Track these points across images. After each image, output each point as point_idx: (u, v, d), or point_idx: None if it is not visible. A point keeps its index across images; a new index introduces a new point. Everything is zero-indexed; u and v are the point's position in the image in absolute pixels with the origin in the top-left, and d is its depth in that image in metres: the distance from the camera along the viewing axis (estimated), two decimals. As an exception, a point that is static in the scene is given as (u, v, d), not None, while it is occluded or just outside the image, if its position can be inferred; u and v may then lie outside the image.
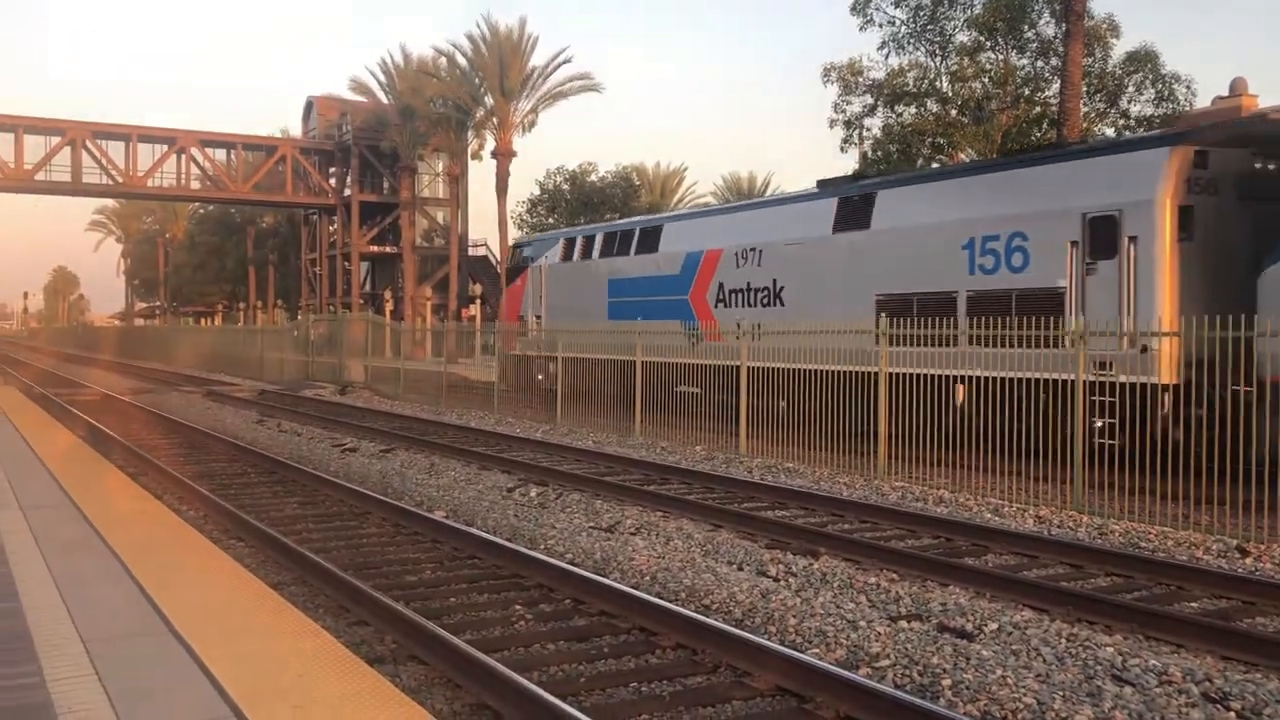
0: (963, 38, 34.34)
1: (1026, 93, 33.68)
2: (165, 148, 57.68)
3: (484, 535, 10.17)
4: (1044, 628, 7.44)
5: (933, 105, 34.83)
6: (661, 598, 8.07)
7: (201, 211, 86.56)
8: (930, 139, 34.15)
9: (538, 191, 56.90)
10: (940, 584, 8.78)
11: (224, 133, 60.46)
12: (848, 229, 18.04)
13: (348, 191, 62.46)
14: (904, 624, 7.54)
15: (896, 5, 34.53)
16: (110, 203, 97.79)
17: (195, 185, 60.41)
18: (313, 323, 39.69)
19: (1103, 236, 14.15)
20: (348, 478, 14.80)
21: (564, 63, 52.04)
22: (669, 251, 22.40)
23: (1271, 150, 13.83)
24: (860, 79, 35.27)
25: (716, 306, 20.72)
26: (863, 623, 7.53)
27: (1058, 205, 14.72)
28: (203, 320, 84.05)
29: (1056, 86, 30.20)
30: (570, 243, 26.24)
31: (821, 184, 20.15)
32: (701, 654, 6.79)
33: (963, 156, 32.79)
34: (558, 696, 5.65)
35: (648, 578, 9.03)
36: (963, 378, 14.29)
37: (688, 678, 6.51)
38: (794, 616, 7.73)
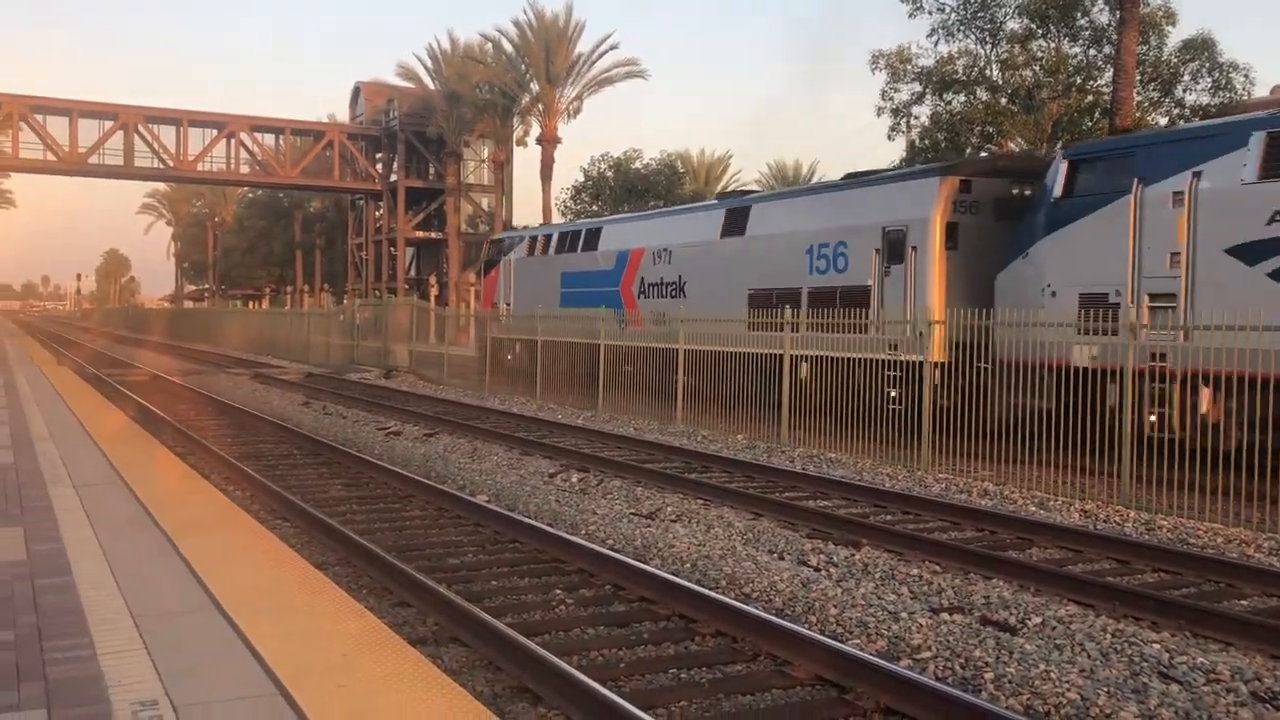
0: (1014, 25, 33.85)
1: (1078, 81, 33.16)
2: (215, 132, 58.36)
3: (525, 520, 10.22)
4: (1089, 623, 7.35)
5: (982, 93, 34.40)
6: (701, 585, 8.07)
7: (250, 196, 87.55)
8: (979, 127, 33.74)
9: (582, 178, 56.89)
10: (983, 577, 8.70)
11: (273, 118, 61.09)
12: (731, 235, 21.56)
13: (394, 177, 62.86)
14: (946, 616, 7.49)
15: (946, -9, 34.12)
16: (161, 186, 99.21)
17: (244, 170, 61.08)
18: (358, 307, 40.05)
19: (895, 246, 17.46)
20: (392, 461, 14.93)
21: (610, 49, 52.15)
22: (606, 249, 25.86)
23: (1022, 180, 17.03)
24: (908, 66, 34.90)
25: (639, 297, 24.20)
26: (904, 614, 7.49)
27: (866, 221, 18.10)
28: (250, 303, 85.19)
29: (1109, 75, 29.73)
30: (534, 240, 29.69)
31: (719, 197, 24.70)
32: (741, 642, 6.78)
33: (1012, 145, 32.40)
34: (597, 681, 5.67)
35: (688, 565, 9.03)
36: (806, 357, 17.72)
37: (727, 665, 6.51)
38: (835, 606, 7.70)
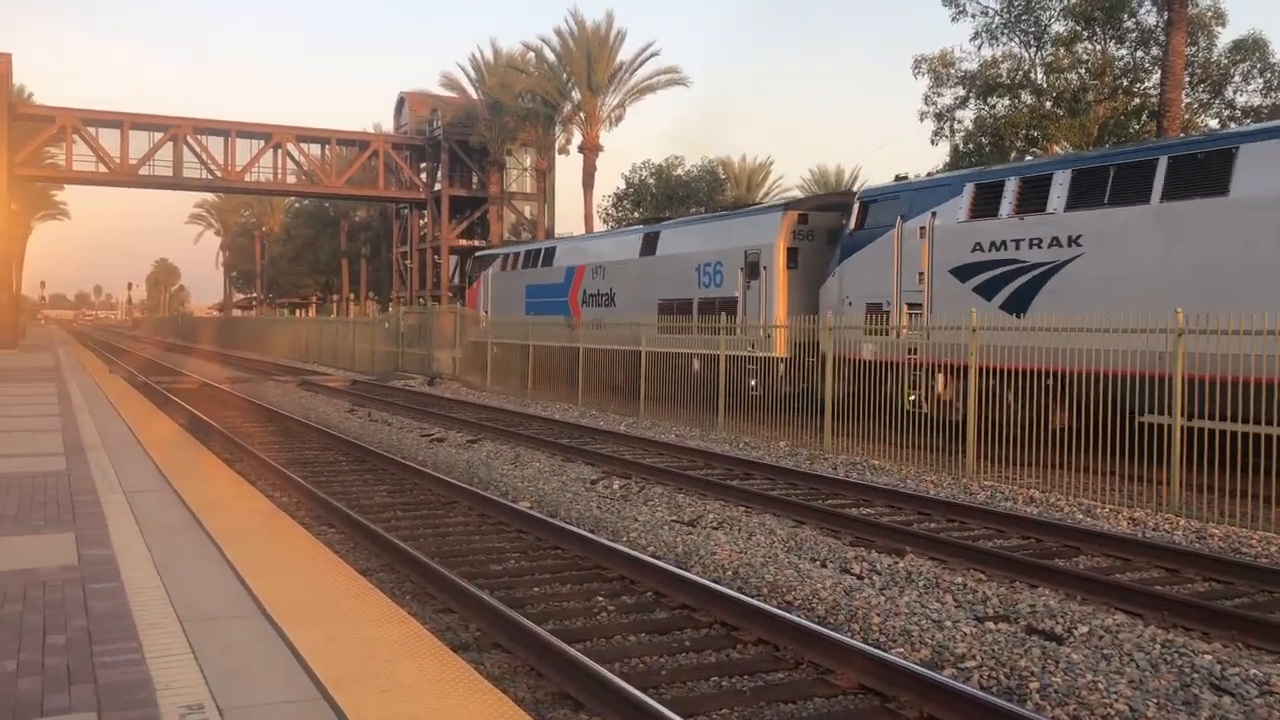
0: (1059, 27, 33.56)
1: (1125, 84, 32.78)
2: (262, 143, 59.06)
3: (567, 526, 10.25)
4: (1137, 633, 7.24)
5: (1027, 97, 34.11)
6: (743, 593, 8.04)
7: (297, 205, 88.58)
8: (1024, 131, 33.43)
9: (623, 185, 57.01)
10: (1029, 585, 8.60)
11: (319, 128, 61.61)
12: (646, 254, 26.16)
13: (438, 186, 63.26)
14: (991, 625, 7.40)
15: (990, -5, 33.89)
16: (210, 196, 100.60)
17: (291, 180, 61.72)
18: (403, 315, 40.36)
19: (752, 266, 21.93)
20: (435, 467, 15.04)
21: (651, 56, 51.98)
22: (558, 266, 30.64)
23: (846, 213, 20.12)
24: (951, 71, 34.69)
25: (583, 306, 28.65)
26: (948, 623, 7.42)
27: (733, 245, 22.71)
28: (297, 311, 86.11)
29: (1157, 77, 29.33)
30: (506, 257, 34.90)
31: (642, 223, 31.47)
32: (783, 650, 6.75)
33: (1057, 149, 32.06)
34: (639, 688, 5.67)
35: (729, 572, 9.01)
36: (699, 355, 21.65)
37: (769, 674, 6.48)
38: (878, 615, 7.64)
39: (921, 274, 17.65)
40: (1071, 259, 15.35)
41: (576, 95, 52.84)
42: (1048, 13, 33.55)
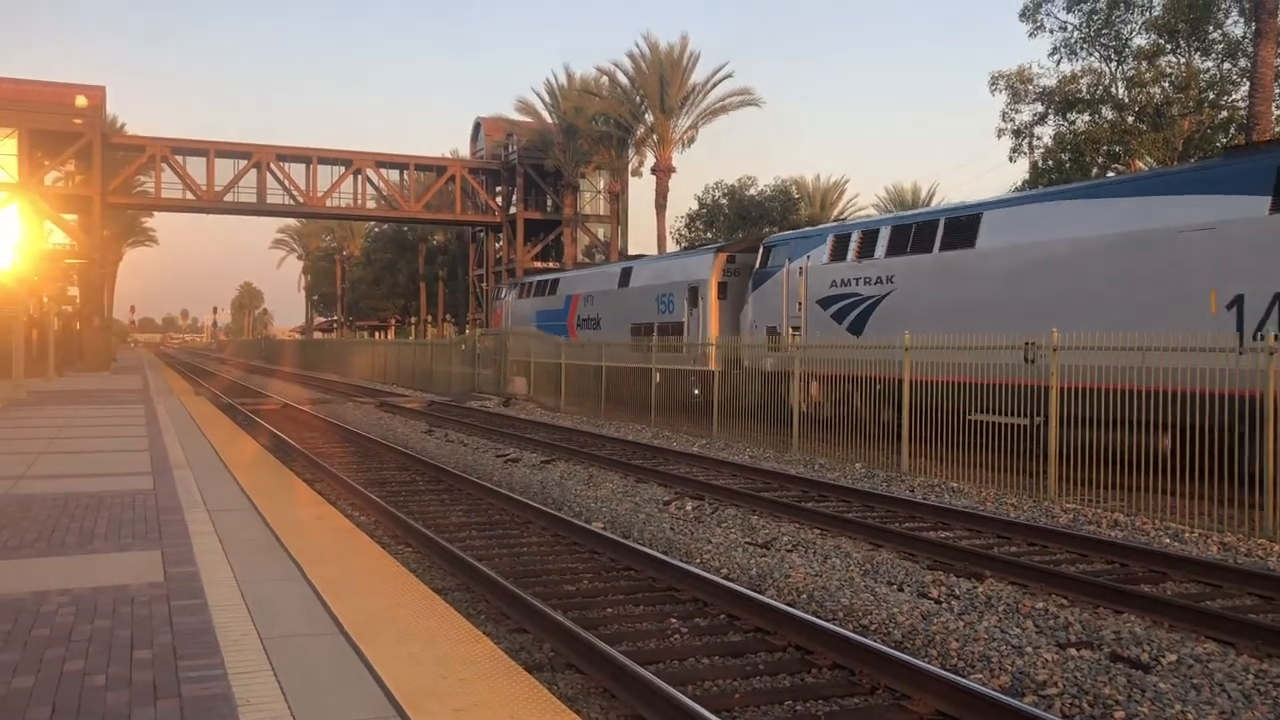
0: (1141, 41, 32.92)
1: (1211, 97, 32.00)
2: (343, 169, 60.37)
3: (640, 547, 10.24)
4: (1228, 662, 7.01)
5: (1108, 112, 33.47)
6: (818, 616, 7.96)
7: (376, 230, 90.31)
8: (1105, 147, 32.79)
9: (696, 206, 57.10)
10: (1113, 611, 8.38)
11: (398, 154, 62.82)
12: (622, 286, 31.55)
13: (513, 209, 64.04)
14: (1073, 652, 7.22)
15: (1069, 10, 33.39)
16: (292, 222, 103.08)
17: (371, 205, 62.96)
18: (479, 337, 40.81)
19: (693, 296, 27.00)
20: (510, 487, 15.15)
21: (724, 78, 52.08)
22: (560, 294, 36.04)
23: (758, 255, 24.93)
24: (1029, 86, 34.20)
25: (578, 329, 33.88)
26: (1029, 649, 7.26)
27: (681, 279, 27.93)
28: (376, 334, 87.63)
29: (1245, 89, 28.58)
30: (522, 286, 41.10)
31: (622, 259, 39.21)
32: (859, 675, 6.66)
33: (1140, 165, 31.37)
34: (713, 711, 5.63)
35: (804, 595, 8.92)
36: (660, 370, 25.84)
37: (844, 698, 6.40)
38: (956, 640, 7.51)
39: (800, 304, 22.64)
40: (889, 293, 20.24)
41: (649, 118, 53.13)
42: (1129, 26, 32.94)
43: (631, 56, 52.82)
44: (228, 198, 58.21)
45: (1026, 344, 15.05)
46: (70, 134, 52.34)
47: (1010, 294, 17.33)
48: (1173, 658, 7.08)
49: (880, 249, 20.53)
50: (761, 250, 24.61)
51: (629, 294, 30.77)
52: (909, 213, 25.32)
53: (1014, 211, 18.34)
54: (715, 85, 51.93)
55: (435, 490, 14.99)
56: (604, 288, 32.86)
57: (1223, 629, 7.72)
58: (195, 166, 57.25)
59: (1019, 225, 17.81)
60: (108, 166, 54.76)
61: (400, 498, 14.05)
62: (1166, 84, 32.50)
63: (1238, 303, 14.01)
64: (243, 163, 57.97)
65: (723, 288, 26.20)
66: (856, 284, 20.98)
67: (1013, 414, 15.12)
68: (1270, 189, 13.97)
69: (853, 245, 21.35)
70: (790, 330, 22.63)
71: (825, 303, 21.71)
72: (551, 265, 59.73)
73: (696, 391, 24.39)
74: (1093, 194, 17.15)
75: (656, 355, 25.64)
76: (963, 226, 18.77)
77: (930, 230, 19.49)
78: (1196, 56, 32.34)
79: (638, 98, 53.36)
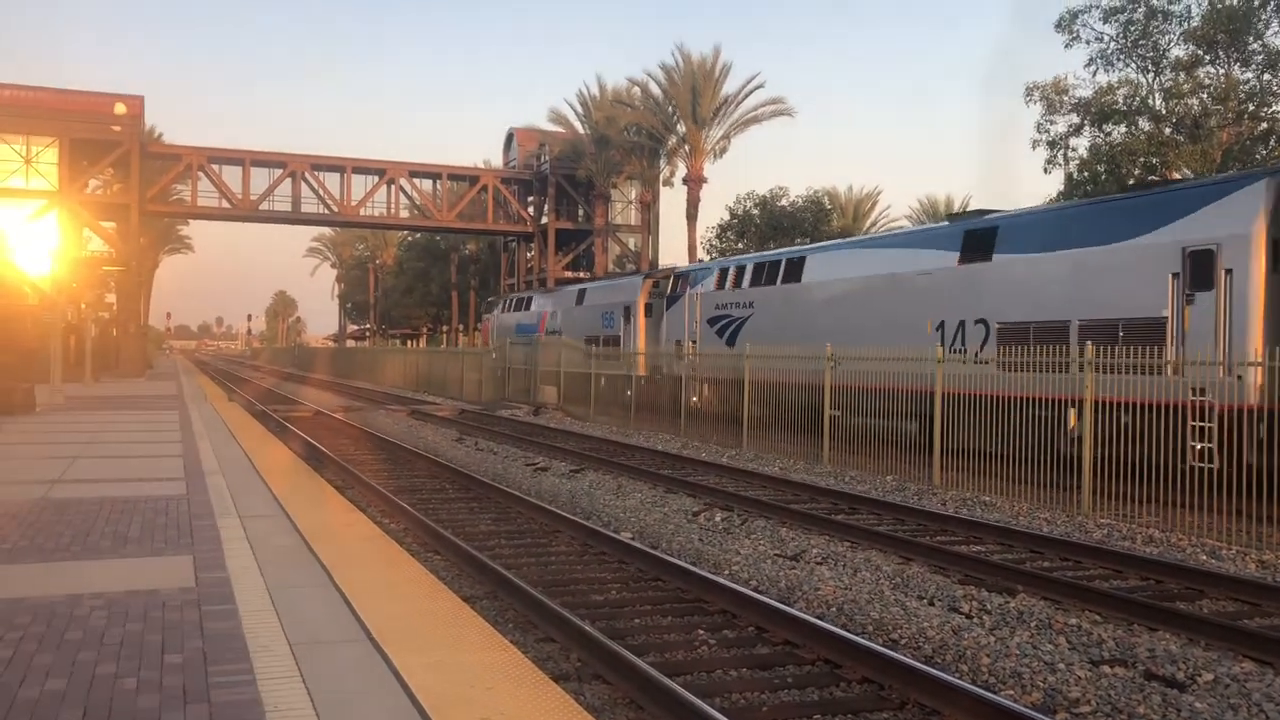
0: (1178, 52, 32.59)
1: (1251, 108, 31.60)
2: (377, 178, 60.79)
3: (669, 558, 10.21)
4: (1267, 682, 6.89)
5: (1144, 123, 33.14)
6: (847, 630, 7.90)
7: (409, 239, 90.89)
8: (1142, 159, 32.46)
9: (728, 217, 57.05)
10: (1148, 628, 8.26)
11: (431, 164, 63.19)
12: (578, 304, 38.09)
13: (545, 219, 64.25)
14: (1107, 669, 7.13)
15: (1105, 21, 33.11)
16: (326, 231, 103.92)
17: (404, 214, 63.33)
18: (509, 345, 40.94)
19: (626, 314, 32.87)
20: (539, 496, 15.16)
21: (756, 88, 52.00)
22: (534, 310, 43.17)
23: (675, 282, 30.84)
24: (1065, 98, 33.93)
25: (545, 338, 39.25)
26: (1061, 665, 7.17)
27: (619, 300, 33.84)
28: (409, 342, 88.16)
29: (1285, 100, 28.23)
30: (505, 302, 48.62)
31: (580, 283, 44.09)
32: (888, 689, 6.60)
33: (1177, 176, 31.02)
34: (739, 724, 5.59)
35: (833, 609, 8.86)
36: (605, 375, 30.65)
37: (874, 713, 6.35)
38: (987, 656, 7.43)
39: (696, 322, 28.47)
40: (751, 315, 26.11)
41: (681, 128, 53.17)
42: (1167, 37, 32.63)
43: (664, 67, 52.95)
44: (263, 206, 58.77)
45: (820, 356, 19.84)
46: (109, 143, 53.08)
47: (825, 317, 22.78)
48: (1209, 677, 6.97)
49: (746, 281, 26.59)
50: (673, 279, 31.09)
51: (583, 310, 37.32)
52: (765, 253, 29.98)
53: (828, 255, 24.45)
54: (748, 95, 51.94)
55: (465, 498, 15.03)
56: (566, 305, 39.40)
57: (1261, 648, 7.59)
58: (231, 175, 57.88)
59: (831, 265, 23.64)
60: (145, 175, 55.44)
61: (430, 505, 14.09)
62: (1205, 95, 32.14)
63: (941, 327, 19.58)
64: (278, 172, 58.52)
65: (649, 308, 32.13)
66: (731, 308, 27.00)
67: (819, 406, 19.92)
68: (959, 246, 19.58)
69: (730, 277, 27.44)
70: (690, 343, 28.14)
71: (712, 322, 27.81)
72: (583, 275, 59.86)
73: (630, 392, 28.84)
74: (874, 244, 24.87)
75: (597, 363, 31.14)
76: (795, 265, 24.65)
77: (776, 267, 25.44)
78: (1236, 67, 31.97)
79: (670, 108, 53.43)
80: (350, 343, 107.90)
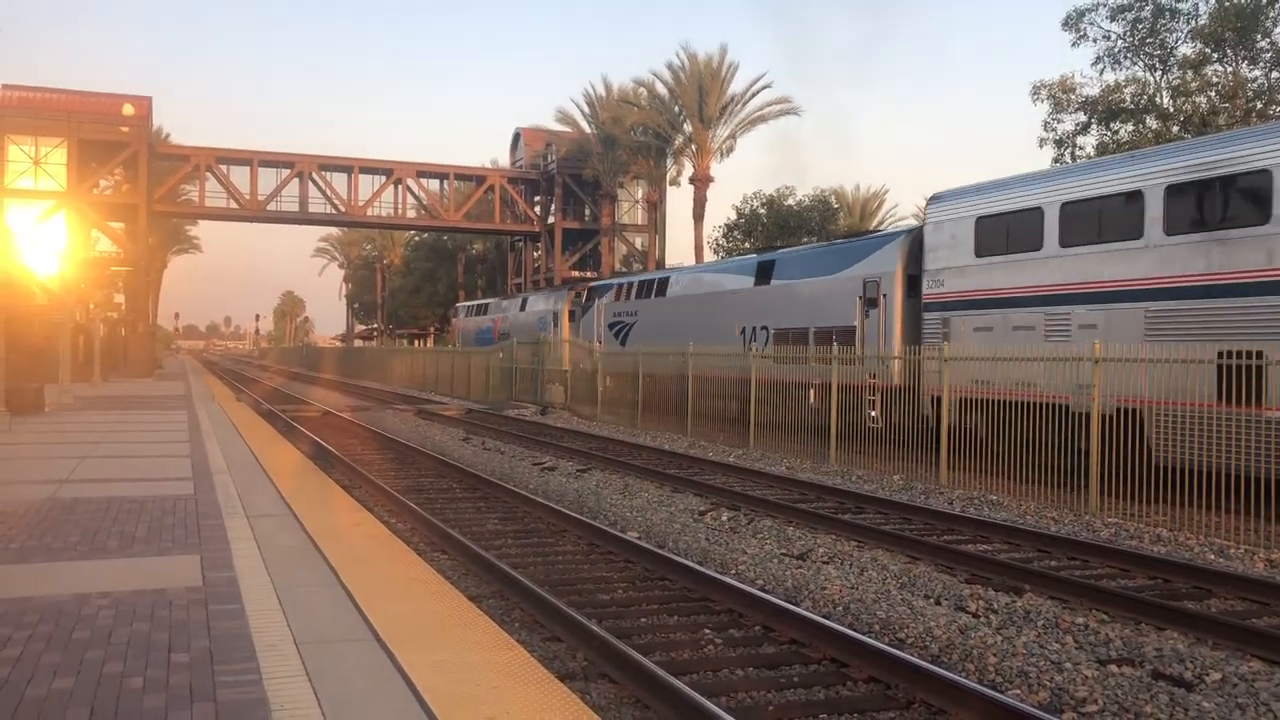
0: (1186, 50, 32.52)
1: (1259, 105, 31.50)
2: (384, 178, 60.92)
3: (675, 557, 10.21)
4: (1275, 681, 6.87)
5: (1152, 121, 33.09)
6: (854, 629, 7.90)
7: (416, 239, 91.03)
8: (1150, 157, 32.34)
9: (734, 216, 57.01)
10: (1156, 628, 8.24)
11: (438, 164, 63.26)
12: (520, 311, 46.90)
13: (551, 219, 64.31)
14: (1114, 668, 7.11)
15: (1112, 19, 33.05)
16: (334, 231, 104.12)
17: (411, 214, 63.47)
18: (516, 345, 40.99)
19: (555, 319, 41.09)
20: (546, 496, 15.17)
21: (763, 88, 52.07)
22: (490, 315, 52.37)
23: (588, 294, 38.21)
24: (1072, 96, 33.87)
25: (499, 339, 45.83)
26: (1069, 664, 7.15)
27: (549, 308, 42.89)
28: (416, 342, 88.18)
29: (1293, 98, 28.14)
30: (468, 309, 58.21)
31: (524, 295, 51.70)
32: (895, 689, 6.60)
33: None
34: (745, 723, 5.59)
35: (840, 608, 8.86)
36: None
37: (880, 712, 6.34)
38: (994, 655, 7.42)
39: (601, 327, 34.83)
40: (636, 321, 32.59)
41: (688, 128, 53.20)
42: (1174, 35, 32.56)
43: (671, 67, 52.96)
44: (270, 207, 58.90)
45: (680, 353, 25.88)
46: (117, 143, 53.24)
47: (681, 322, 28.83)
48: (1217, 676, 6.95)
49: (632, 295, 33.53)
50: (587, 292, 38.37)
51: (526, 316, 45.82)
52: (645, 274, 38.20)
53: (683, 276, 31.59)
54: (754, 95, 51.93)
55: (472, 498, 15.05)
56: (513, 312, 48.51)
57: (1269, 647, 7.57)
58: (239, 176, 58.01)
59: (684, 284, 30.64)
60: (153, 175, 55.59)
61: (437, 505, 14.11)
62: (1213, 93, 32.07)
63: (744, 331, 26.06)
64: (285, 172, 58.67)
65: (572, 314, 39.57)
66: (622, 316, 33.73)
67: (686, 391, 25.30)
68: (754, 272, 26.56)
69: (622, 292, 34.50)
70: (598, 344, 33.90)
71: (611, 326, 34.38)
72: (589, 274, 59.93)
73: (555, 384, 34.84)
74: (709, 269, 31.43)
75: (549, 352, 36.89)
76: (663, 283, 31.89)
77: (651, 285, 32.73)
78: (1244, 65, 31.89)
79: (676, 108, 53.45)
80: (358, 342, 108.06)
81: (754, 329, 25.57)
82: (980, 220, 18.29)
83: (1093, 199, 16.04)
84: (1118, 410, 14.11)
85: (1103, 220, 15.82)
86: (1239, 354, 12.75)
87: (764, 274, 25.93)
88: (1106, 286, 15.69)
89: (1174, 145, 16.88)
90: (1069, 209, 16.40)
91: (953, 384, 16.98)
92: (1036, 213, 17.02)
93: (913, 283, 20.33)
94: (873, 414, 19.30)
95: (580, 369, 33.74)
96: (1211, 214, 14.20)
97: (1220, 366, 12.81)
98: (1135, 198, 15.25)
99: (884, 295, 20.98)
